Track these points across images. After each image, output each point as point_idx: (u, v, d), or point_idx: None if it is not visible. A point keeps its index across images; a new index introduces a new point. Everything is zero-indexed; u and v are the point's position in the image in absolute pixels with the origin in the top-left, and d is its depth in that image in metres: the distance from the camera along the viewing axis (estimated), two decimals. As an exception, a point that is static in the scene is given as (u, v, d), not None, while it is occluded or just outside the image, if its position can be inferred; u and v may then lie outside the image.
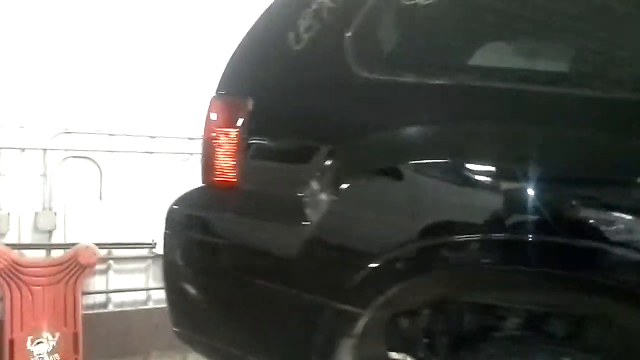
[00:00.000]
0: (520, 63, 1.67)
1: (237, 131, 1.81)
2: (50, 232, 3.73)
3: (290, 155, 1.77)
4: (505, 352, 1.57)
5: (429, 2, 1.67)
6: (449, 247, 1.54)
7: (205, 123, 1.89)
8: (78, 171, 3.80)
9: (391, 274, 1.57)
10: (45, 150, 3.70)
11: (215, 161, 1.84)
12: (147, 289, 4.02)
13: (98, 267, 3.76)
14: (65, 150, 3.76)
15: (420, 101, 1.64)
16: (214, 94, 1.88)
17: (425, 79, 1.64)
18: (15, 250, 3.55)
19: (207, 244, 1.82)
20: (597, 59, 1.58)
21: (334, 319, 1.63)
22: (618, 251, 1.36)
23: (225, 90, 1.86)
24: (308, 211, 1.65)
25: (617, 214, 1.38)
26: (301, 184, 1.69)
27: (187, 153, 4.06)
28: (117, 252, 3.92)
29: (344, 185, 1.63)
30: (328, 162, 1.67)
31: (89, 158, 3.81)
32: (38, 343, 3.54)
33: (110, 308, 3.94)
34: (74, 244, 3.67)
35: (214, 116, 1.86)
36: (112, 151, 3.86)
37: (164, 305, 3.92)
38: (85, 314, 3.65)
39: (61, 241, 3.76)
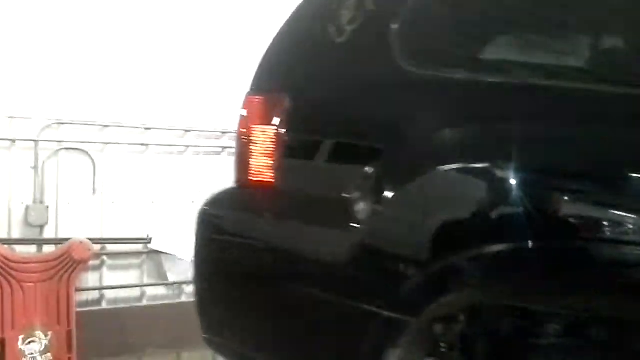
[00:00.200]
0: (582, 62, 1.61)
1: (275, 129, 1.72)
2: (41, 226, 3.58)
3: (333, 154, 1.68)
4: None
5: None
6: (506, 253, 1.49)
7: (239, 120, 1.79)
8: (70, 164, 3.65)
9: (447, 280, 1.50)
10: (36, 141, 3.55)
11: (251, 160, 1.75)
12: (142, 286, 3.89)
13: (91, 263, 3.63)
14: (57, 141, 3.61)
15: (473, 99, 1.57)
16: (249, 90, 1.79)
17: (478, 76, 1.58)
18: (5, 246, 3.41)
19: (242, 247, 1.74)
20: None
21: (383, 328, 1.56)
22: None
23: (261, 85, 1.77)
24: (355, 214, 1.58)
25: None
26: (346, 185, 1.61)
27: (183, 145, 3.94)
28: (110, 248, 3.79)
29: (393, 188, 1.56)
30: (375, 163, 1.59)
31: (82, 150, 3.66)
32: (30, 342, 3.41)
33: (104, 305, 3.81)
34: (66, 239, 3.54)
35: (248, 113, 1.76)
36: (106, 143, 3.72)
37: (159, 302, 3.89)
38: (78, 311, 3.52)
39: (53, 236, 3.61)
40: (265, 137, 1.73)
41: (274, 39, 1.79)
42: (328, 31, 1.70)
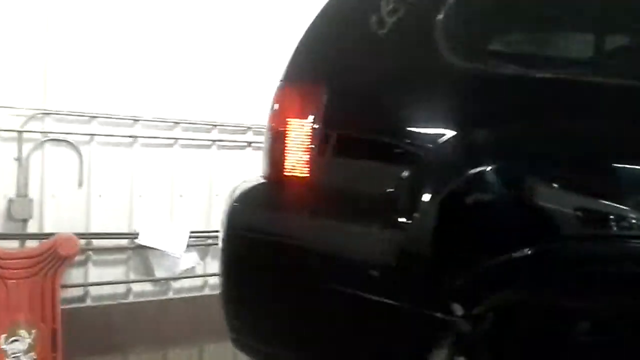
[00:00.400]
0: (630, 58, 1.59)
1: (311, 122, 1.66)
2: (25, 221, 3.43)
3: (375, 149, 1.64)
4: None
5: None
6: (552, 252, 1.47)
7: (271, 113, 1.73)
8: (56, 156, 3.50)
9: (498, 279, 1.48)
10: (20, 132, 3.39)
11: (285, 155, 1.68)
12: (128, 282, 3.78)
13: (76, 258, 3.50)
14: (42, 132, 3.46)
15: (522, 96, 1.54)
16: (282, 81, 1.72)
17: (528, 71, 1.55)
18: (-12, 241, 3.26)
19: (275, 245, 1.67)
20: None
21: (427, 328, 1.53)
22: None
23: (295, 77, 1.71)
24: (399, 212, 1.54)
25: None
26: (389, 182, 1.57)
27: (172, 138, 3.83)
28: (96, 243, 3.66)
29: (439, 185, 1.53)
30: (419, 159, 1.55)
31: (67, 142, 3.52)
32: (13, 341, 3.28)
33: (89, 302, 3.68)
34: (51, 234, 3.41)
35: (282, 105, 1.70)
36: (93, 134, 3.59)
37: (145, 298, 3.79)
38: (63, 309, 3.39)
39: (37, 231, 3.47)
40: (301, 130, 1.67)
41: (310, 28, 1.73)
42: (369, 22, 1.65)
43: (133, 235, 3.73)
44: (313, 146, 1.65)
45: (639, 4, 1.52)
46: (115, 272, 3.75)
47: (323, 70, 1.70)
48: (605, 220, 1.45)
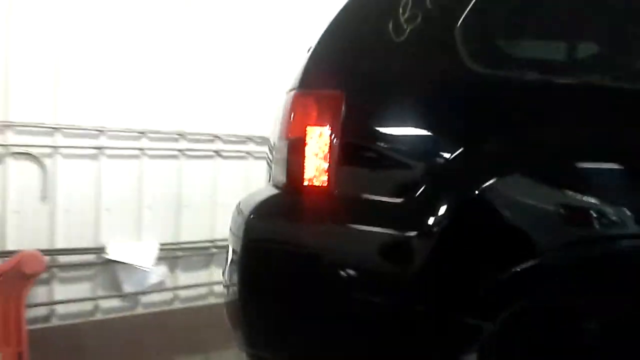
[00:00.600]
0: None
1: (330, 130, 1.64)
2: (-14, 238, 3.27)
3: (397, 155, 1.63)
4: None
5: None
6: (582, 257, 1.50)
7: (287, 121, 1.69)
8: (18, 169, 3.34)
9: (522, 284, 1.49)
10: (-21, 145, 3.23)
11: (304, 164, 1.65)
12: (95, 299, 3.64)
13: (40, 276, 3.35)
14: (3, 145, 3.29)
15: (546, 102, 1.57)
16: (297, 89, 1.69)
17: (550, 77, 1.58)
18: (-53, 261, 3.08)
19: (297, 256, 1.64)
20: None
21: (457, 334, 1.53)
22: None
23: (313, 85, 1.67)
24: (423, 220, 1.53)
25: None
26: (412, 190, 1.56)
27: (138, 149, 3.72)
28: (62, 259, 3.51)
29: (464, 192, 1.53)
30: (443, 166, 1.56)
31: (30, 154, 3.37)
32: (-23, 366, 3.10)
33: (54, 322, 3.52)
34: (14, 252, 3.24)
35: (299, 114, 1.67)
36: (57, 147, 3.44)
37: (114, 315, 3.65)
38: (28, 329, 3.23)
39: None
40: (320, 138, 1.64)
41: (325, 35, 1.70)
42: (386, 29, 1.64)
43: (100, 250, 3.59)
44: (333, 155, 1.63)
45: None
46: (82, 289, 3.60)
47: (342, 77, 1.67)
48: (623, 223, 1.49)
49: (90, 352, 3.51)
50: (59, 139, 3.45)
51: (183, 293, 3.93)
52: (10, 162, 3.32)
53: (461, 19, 1.61)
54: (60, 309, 3.53)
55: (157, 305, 3.84)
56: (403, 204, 1.58)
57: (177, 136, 3.84)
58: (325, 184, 1.64)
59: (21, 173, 3.34)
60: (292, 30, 3.93)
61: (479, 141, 1.57)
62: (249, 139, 4.08)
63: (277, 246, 1.66)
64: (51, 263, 3.44)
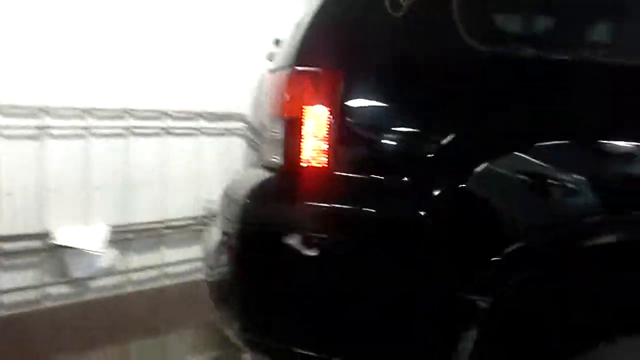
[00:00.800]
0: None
1: (329, 110, 1.59)
2: None
3: (397, 135, 1.61)
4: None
5: None
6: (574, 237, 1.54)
7: (282, 101, 1.64)
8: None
9: (519, 263, 1.52)
10: None
11: (301, 145, 1.61)
12: (43, 286, 3.47)
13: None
14: (-64, 127, 3.06)
15: (543, 78, 1.58)
16: (292, 66, 1.63)
17: (548, 54, 1.59)
18: None
19: (298, 239, 1.59)
20: None
21: (456, 311, 1.54)
22: None
23: (310, 63, 1.61)
24: (422, 201, 1.53)
25: None
26: (412, 171, 1.55)
27: (83, 127, 3.54)
28: (5, 247, 3.32)
29: (464, 172, 1.54)
30: (444, 146, 1.55)
31: (-34, 136, 3.14)
32: None
33: (1, 312, 3.34)
34: (-46, 241, 3.04)
35: (296, 93, 1.61)
36: (-5, 127, 3.23)
37: (63, 302, 3.50)
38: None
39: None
40: (319, 118, 1.59)
41: (319, 11, 1.64)
42: (383, 4, 1.60)
43: (46, 236, 3.41)
44: (332, 135, 1.59)
45: None
46: (29, 277, 3.42)
47: (339, 55, 1.62)
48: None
49: (39, 341, 3.36)
50: (-3, 120, 3.22)
51: (135, 276, 3.80)
52: (-55, 144, 3.08)
53: (459, -6, 1.59)
54: (7, 298, 3.35)
55: (108, 289, 3.70)
56: (402, 185, 1.57)
57: (123, 113, 3.67)
58: (325, 165, 1.60)
59: (-42, 156, 3.11)
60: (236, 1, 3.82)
61: (479, 118, 1.57)
62: (199, 115, 3.95)
63: (276, 230, 1.61)
64: (-6, 251, 3.24)
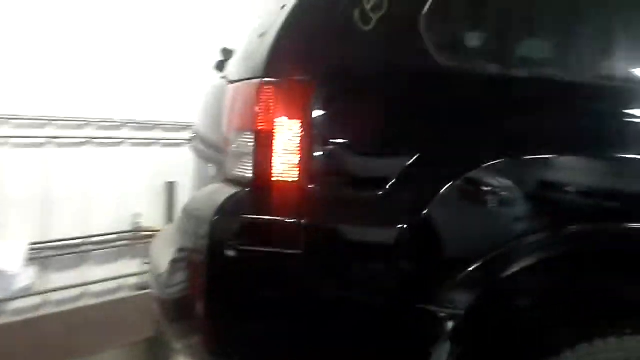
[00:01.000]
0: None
1: (301, 123, 1.55)
2: None
3: (370, 148, 1.59)
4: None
5: None
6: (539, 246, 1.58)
7: (252, 113, 1.58)
8: None
9: (487, 275, 1.55)
10: None
11: (272, 159, 1.55)
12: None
13: None
14: None
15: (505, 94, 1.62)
16: (261, 78, 1.58)
17: (511, 71, 1.63)
18: None
19: (272, 257, 1.54)
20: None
21: (431, 324, 1.54)
22: None
23: (280, 74, 1.56)
24: (396, 215, 1.53)
25: None
26: (385, 184, 1.54)
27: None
28: None
29: (434, 186, 1.55)
30: (414, 159, 1.55)
31: None
32: None
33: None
34: None
35: (266, 105, 1.56)
36: None
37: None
38: None
39: None
40: (290, 131, 1.55)
41: (289, 19, 1.59)
42: (353, 17, 1.58)
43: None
44: (303, 148, 1.55)
45: None
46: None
47: (310, 66, 1.58)
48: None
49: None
50: None
51: (55, 296, 3.58)
52: None
53: (425, 8, 1.60)
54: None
55: (26, 311, 3.46)
56: (376, 199, 1.55)
57: (43, 122, 3.45)
58: (295, 179, 1.56)
59: None
60: (168, 6, 3.70)
61: (448, 133, 1.58)
62: (125, 124, 3.78)
63: (249, 248, 1.54)
64: None
